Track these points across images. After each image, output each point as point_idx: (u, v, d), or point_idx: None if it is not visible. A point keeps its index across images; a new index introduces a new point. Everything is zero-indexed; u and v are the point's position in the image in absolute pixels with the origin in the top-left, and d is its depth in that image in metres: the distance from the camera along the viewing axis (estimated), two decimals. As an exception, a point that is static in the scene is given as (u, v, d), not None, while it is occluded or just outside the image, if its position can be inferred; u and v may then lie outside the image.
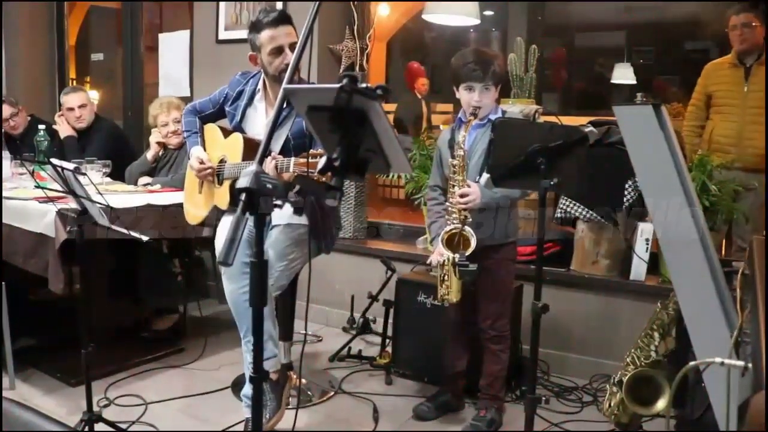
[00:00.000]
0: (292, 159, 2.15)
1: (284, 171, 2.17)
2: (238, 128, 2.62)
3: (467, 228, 2.37)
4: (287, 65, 2.45)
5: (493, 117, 2.49)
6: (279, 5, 3.89)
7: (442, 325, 2.79)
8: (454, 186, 2.42)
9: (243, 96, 2.63)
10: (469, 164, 2.48)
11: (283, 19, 2.47)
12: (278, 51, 2.46)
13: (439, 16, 4.05)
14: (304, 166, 2.08)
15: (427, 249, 3.54)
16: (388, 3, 4.88)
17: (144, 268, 3.36)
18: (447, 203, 2.47)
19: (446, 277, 2.45)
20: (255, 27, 2.48)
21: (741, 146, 3.32)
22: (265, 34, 2.45)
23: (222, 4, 4.19)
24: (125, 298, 3.42)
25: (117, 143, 4.08)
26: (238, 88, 2.66)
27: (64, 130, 4.01)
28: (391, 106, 6.04)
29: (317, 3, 1.39)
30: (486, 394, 2.64)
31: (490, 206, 2.44)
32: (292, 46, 2.46)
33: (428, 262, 2.63)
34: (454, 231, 2.40)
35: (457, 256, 2.37)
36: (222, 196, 2.57)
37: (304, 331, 2.93)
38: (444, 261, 2.44)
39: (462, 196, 2.38)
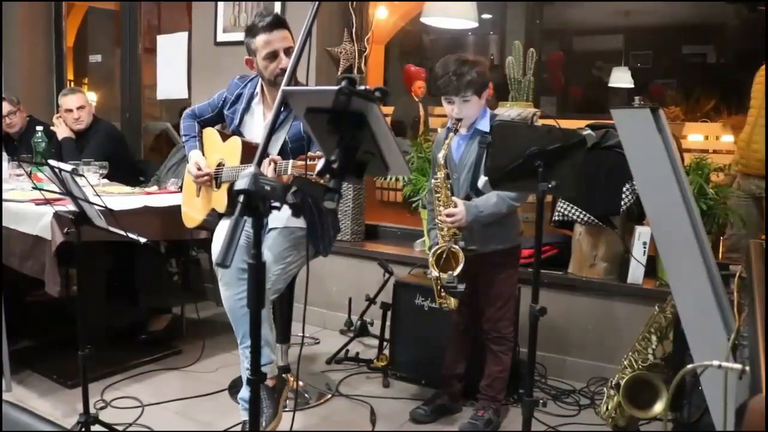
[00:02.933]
0: (290, 161, 2.15)
1: (282, 173, 2.17)
2: (237, 132, 2.62)
3: (454, 246, 2.39)
4: (283, 70, 2.45)
5: (480, 127, 2.47)
6: (277, 7, 3.89)
7: (446, 328, 2.79)
8: (439, 203, 2.42)
9: (241, 99, 2.63)
10: (460, 178, 2.48)
11: (278, 23, 2.46)
12: (273, 55, 2.46)
13: (437, 19, 4.05)
14: (302, 168, 2.07)
15: (425, 252, 3.53)
16: (386, 6, 4.89)
17: (141, 269, 3.35)
18: (436, 219, 2.47)
19: (442, 291, 2.46)
20: (250, 31, 2.48)
21: (748, 150, 3.28)
22: (260, 39, 2.45)
23: (220, 7, 4.18)
24: (122, 299, 3.41)
25: (115, 145, 4.07)
26: (236, 91, 2.66)
27: (61, 131, 4.00)
28: (388, 109, 6.04)
29: (315, 6, 1.39)
30: (486, 394, 2.64)
31: (479, 223, 2.43)
32: (287, 51, 2.46)
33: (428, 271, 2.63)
34: (442, 249, 2.41)
35: (446, 276, 2.37)
36: (220, 200, 2.57)
37: (301, 334, 2.92)
38: (435, 278, 2.45)
39: (448, 215, 2.39)
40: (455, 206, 2.40)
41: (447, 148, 2.41)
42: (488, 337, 2.62)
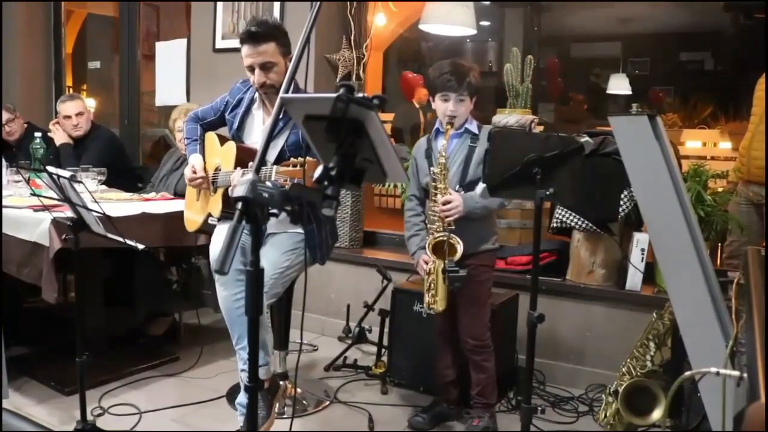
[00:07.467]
0: (274, 167, 2.09)
1: (266, 180, 2.14)
2: (237, 136, 2.62)
3: (454, 236, 2.39)
4: (264, 83, 2.45)
5: (469, 127, 2.53)
6: (276, 8, 3.89)
7: (433, 335, 2.78)
8: (435, 194, 2.43)
9: (242, 104, 2.63)
10: (449, 174, 2.49)
11: (257, 36, 2.41)
12: (251, 69, 2.46)
13: (435, 26, 4.06)
14: (286, 174, 2.04)
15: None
16: (384, 13, 4.89)
17: (140, 276, 3.35)
18: (430, 211, 2.47)
19: (432, 286, 2.45)
20: (240, 40, 2.48)
21: (748, 157, 3.28)
22: (242, 51, 2.46)
23: (219, 14, 4.19)
24: (120, 306, 3.41)
25: (113, 152, 4.07)
26: (238, 95, 2.66)
27: (59, 137, 4.00)
28: (388, 115, 6.05)
29: (314, 12, 1.39)
30: (478, 402, 2.63)
31: (472, 216, 2.45)
32: (263, 66, 2.43)
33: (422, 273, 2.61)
34: (441, 238, 2.41)
35: (446, 262, 2.37)
36: (215, 204, 2.56)
37: (299, 341, 2.91)
38: (430, 269, 2.44)
39: (445, 203, 2.39)
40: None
41: (446, 138, 2.43)
42: (467, 348, 2.59)
